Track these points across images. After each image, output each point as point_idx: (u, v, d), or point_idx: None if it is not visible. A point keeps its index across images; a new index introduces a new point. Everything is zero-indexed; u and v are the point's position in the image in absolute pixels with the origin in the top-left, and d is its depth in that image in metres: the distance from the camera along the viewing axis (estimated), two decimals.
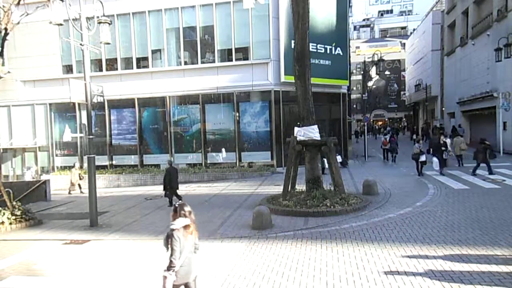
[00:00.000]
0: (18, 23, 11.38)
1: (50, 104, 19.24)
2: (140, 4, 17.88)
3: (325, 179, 10.64)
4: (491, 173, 12.92)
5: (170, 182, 11.21)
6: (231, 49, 17.34)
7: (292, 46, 11.67)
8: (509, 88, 19.09)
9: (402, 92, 53.12)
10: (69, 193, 15.60)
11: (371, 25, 63.94)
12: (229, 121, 17.64)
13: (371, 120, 47.81)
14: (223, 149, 17.70)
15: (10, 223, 9.57)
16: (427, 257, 5.78)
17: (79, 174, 15.69)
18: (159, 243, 7.81)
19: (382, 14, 64.80)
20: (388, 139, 19.46)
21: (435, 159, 13.56)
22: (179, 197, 11.18)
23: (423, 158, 13.48)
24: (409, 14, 62.01)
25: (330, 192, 9.90)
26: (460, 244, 6.26)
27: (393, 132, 22.44)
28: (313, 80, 11.20)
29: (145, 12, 17.87)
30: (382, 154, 20.58)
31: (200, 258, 4.62)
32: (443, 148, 13.76)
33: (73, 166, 16.08)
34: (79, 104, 17.44)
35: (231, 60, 17.30)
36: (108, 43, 9.84)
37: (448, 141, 17.95)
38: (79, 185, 15.61)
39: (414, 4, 63.01)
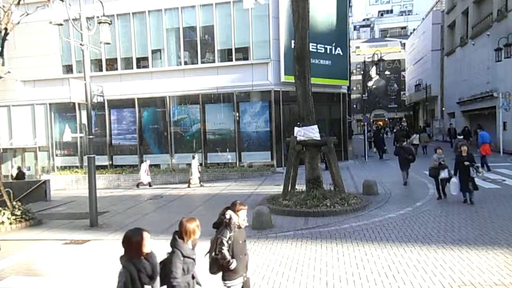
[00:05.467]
0: (18, 23, 11.34)
1: (50, 104, 19.21)
2: (140, 4, 17.86)
3: (325, 179, 10.64)
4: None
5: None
6: (231, 49, 17.33)
7: (292, 46, 11.67)
8: (509, 88, 19.08)
9: (402, 92, 53.16)
10: (189, 186, 14.73)
11: (371, 25, 64.01)
12: (229, 121, 17.62)
13: (371, 120, 47.81)
14: (224, 150, 17.71)
15: (10, 223, 9.57)
16: (427, 257, 5.79)
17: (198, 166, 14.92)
18: (159, 243, 7.82)
19: (382, 14, 64.88)
20: (372, 135, 24.32)
21: (454, 180, 9.30)
22: None
23: (444, 174, 9.62)
24: (409, 14, 62.09)
25: (330, 192, 9.92)
26: (460, 244, 6.26)
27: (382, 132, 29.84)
28: (313, 80, 11.18)
29: (145, 12, 17.85)
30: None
31: None
32: (466, 163, 9.08)
33: (193, 159, 14.90)
34: (79, 104, 17.41)
35: (231, 60, 17.28)
36: (108, 43, 9.83)
37: (416, 136, 17.95)
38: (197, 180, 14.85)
39: (414, 4, 63.09)
